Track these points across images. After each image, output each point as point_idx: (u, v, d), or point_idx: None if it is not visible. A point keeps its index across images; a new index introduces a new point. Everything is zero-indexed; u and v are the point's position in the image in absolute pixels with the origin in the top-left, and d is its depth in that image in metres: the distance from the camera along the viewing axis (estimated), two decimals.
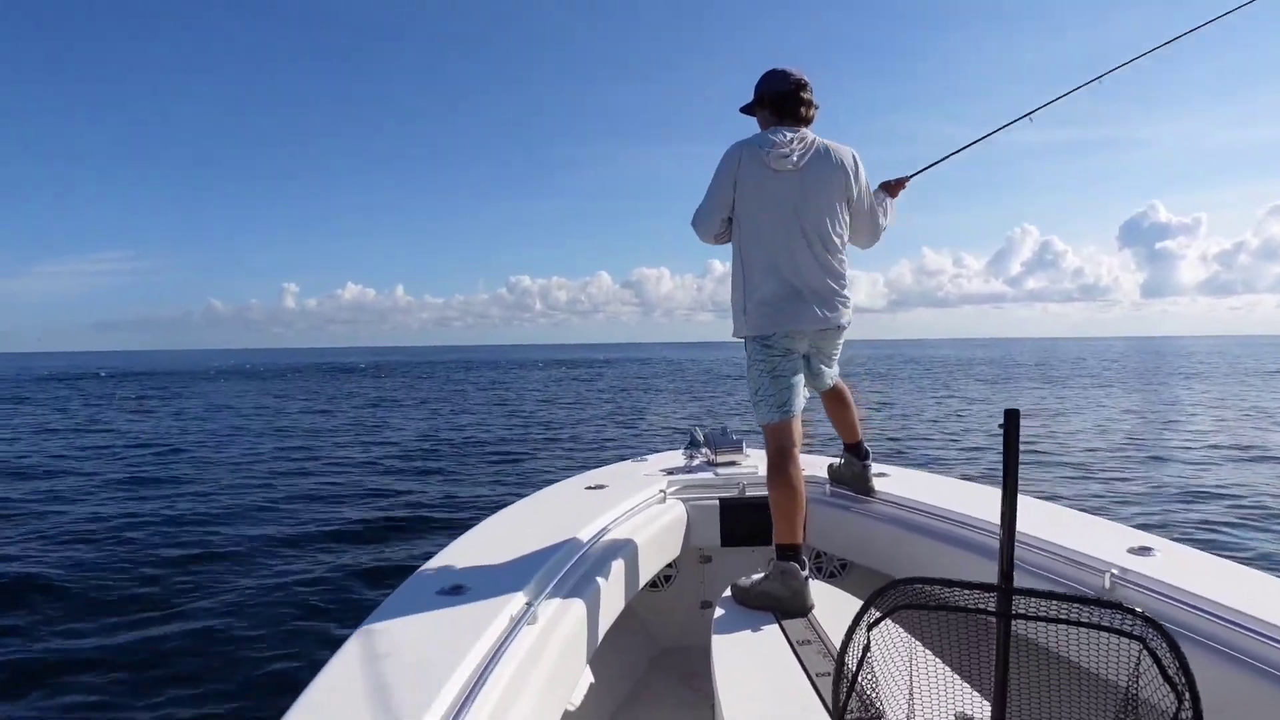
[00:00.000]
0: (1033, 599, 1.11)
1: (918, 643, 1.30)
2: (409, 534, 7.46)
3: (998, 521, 2.26)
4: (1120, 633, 1.04)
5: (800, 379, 2.44)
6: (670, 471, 3.17)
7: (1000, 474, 1.16)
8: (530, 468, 11.51)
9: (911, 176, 2.77)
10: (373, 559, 6.51)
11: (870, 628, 1.24)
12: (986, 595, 1.15)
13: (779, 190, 2.37)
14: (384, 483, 10.30)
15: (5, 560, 6.49)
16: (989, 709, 1.17)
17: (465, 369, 60.54)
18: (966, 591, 1.16)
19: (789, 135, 2.40)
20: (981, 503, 2.55)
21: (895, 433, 14.72)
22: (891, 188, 2.70)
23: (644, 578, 2.49)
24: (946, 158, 2.88)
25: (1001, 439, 1.14)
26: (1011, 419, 1.12)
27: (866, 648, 1.24)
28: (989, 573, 2.14)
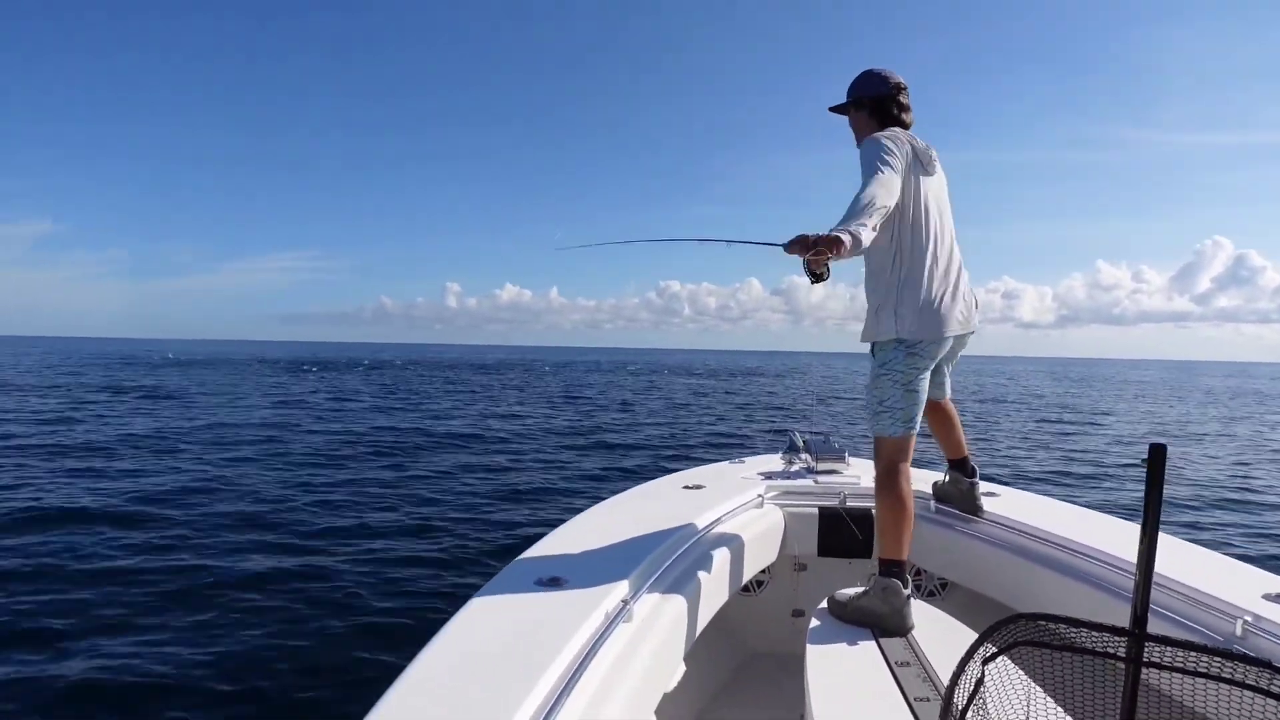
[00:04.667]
0: (1168, 647, 1.02)
1: (1035, 685, 1.19)
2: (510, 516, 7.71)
3: (1114, 553, 2.15)
4: (1265, 692, 0.95)
5: (927, 393, 2.36)
6: (768, 475, 3.13)
7: (1140, 510, 1.09)
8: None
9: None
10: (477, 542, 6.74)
11: (986, 662, 1.16)
12: (1116, 639, 1.06)
13: (930, 189, 2.32)
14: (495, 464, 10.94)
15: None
16: None
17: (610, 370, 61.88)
18: (1094, 633, 1.07)
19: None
20: (1099, 531, 2.38)
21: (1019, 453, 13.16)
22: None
23: (739, 582, 2.49)
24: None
25: (1145, 475, 1.06)
26: (1157, 455, 1.05)
27: (980, 682, 1.16)
28: (1103, 606, 2.03)
